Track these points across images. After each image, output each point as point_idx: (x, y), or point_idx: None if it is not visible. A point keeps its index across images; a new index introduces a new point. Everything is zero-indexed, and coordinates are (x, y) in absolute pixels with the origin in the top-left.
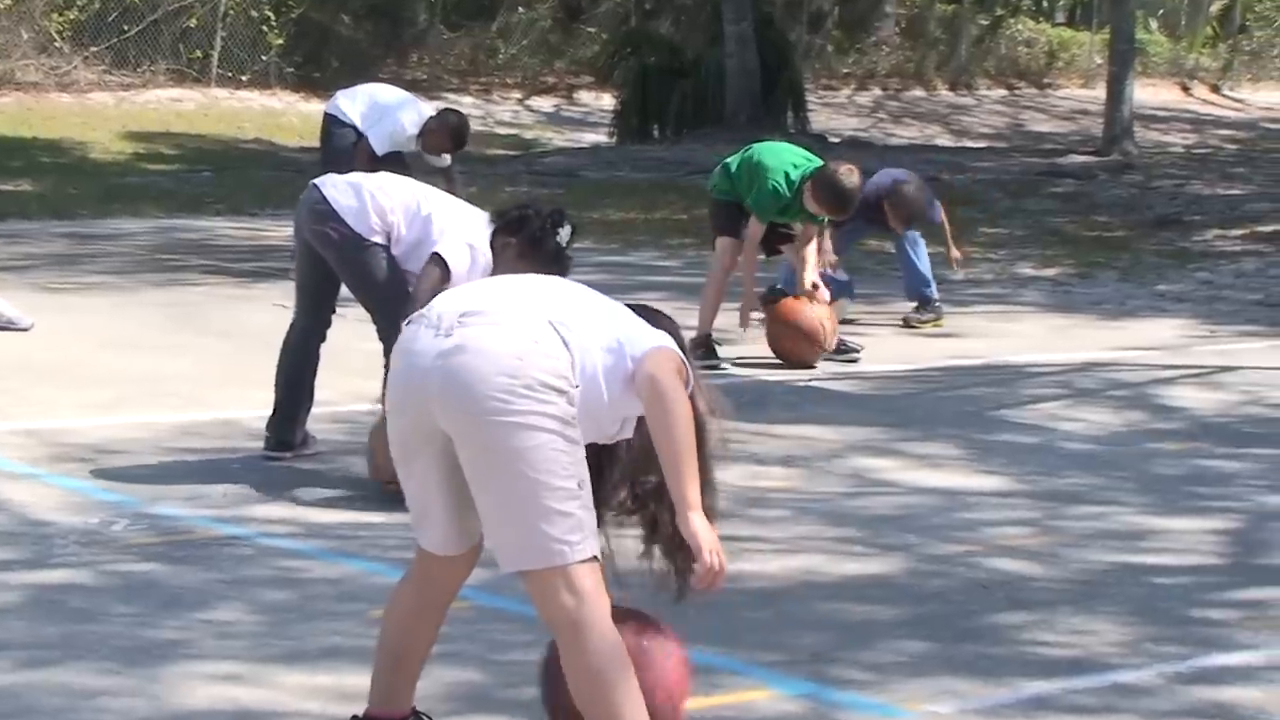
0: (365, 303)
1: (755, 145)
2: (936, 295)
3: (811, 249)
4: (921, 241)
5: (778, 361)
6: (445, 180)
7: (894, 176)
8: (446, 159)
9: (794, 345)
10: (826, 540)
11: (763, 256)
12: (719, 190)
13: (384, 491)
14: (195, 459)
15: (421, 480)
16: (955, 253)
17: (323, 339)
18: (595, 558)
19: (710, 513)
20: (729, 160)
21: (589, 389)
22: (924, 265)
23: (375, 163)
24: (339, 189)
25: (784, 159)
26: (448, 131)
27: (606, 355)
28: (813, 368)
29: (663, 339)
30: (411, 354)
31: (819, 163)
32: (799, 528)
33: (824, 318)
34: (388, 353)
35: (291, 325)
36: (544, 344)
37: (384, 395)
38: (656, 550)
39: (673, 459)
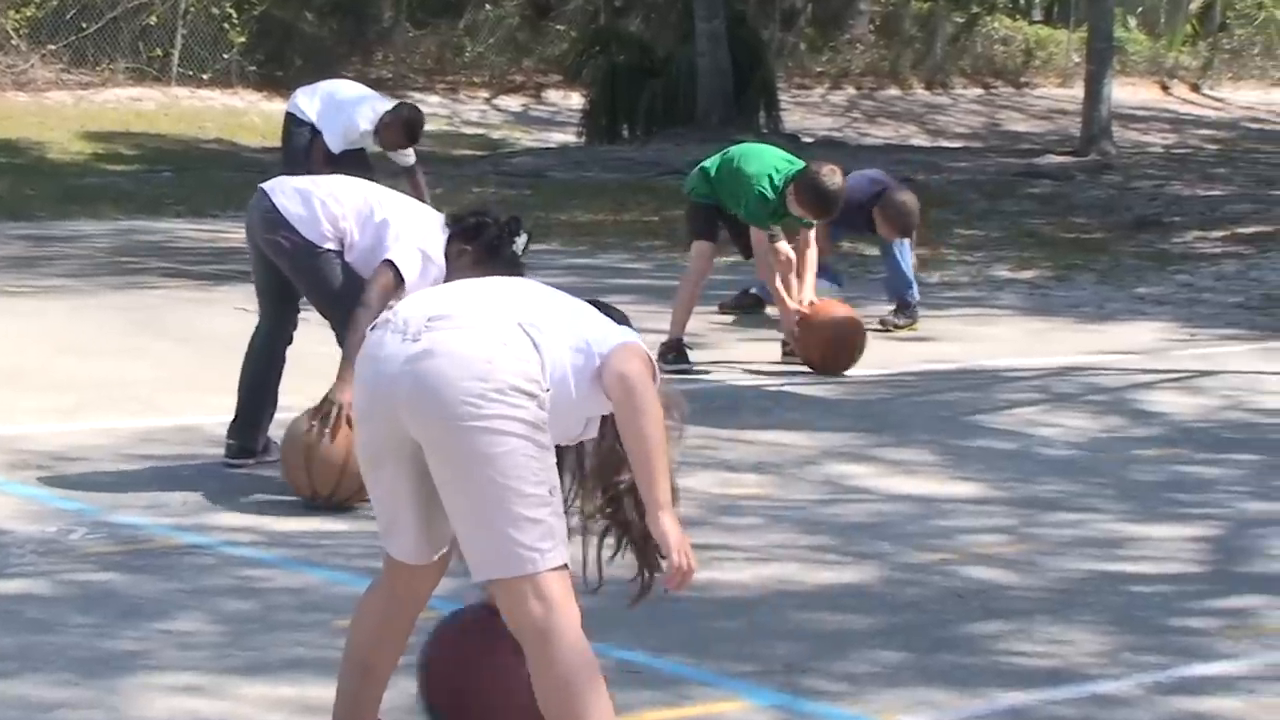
0: (321, 310)
1: (734, 148)
2: (917, 299)
3: (812, 258)
4: (907, 243)
5: (749, 366)
6: (409, 180)
7: (871, 179)
8: (409, 156)
9: (826, 354)
10: (800, 548)
11: (739, 258)
12: (697, 194)
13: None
14: (155, 466)
15: (390, 488)
16: None
17: (288, 342)
18: (565, 565)
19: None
20: (706, 164)
21: (559, 390)
22: (908, 267)
23: (333, 163)
24: (288, 196)
25: (766, 163)
26: (400, 125)
27: (575, 355)
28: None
29: (629, 335)
30: (378, 360)
31: (801, 165)
32: (771, 535)
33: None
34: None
35: (256, 329)
36: (514, 347)
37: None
38: (625, 551)
39: (643, 456)
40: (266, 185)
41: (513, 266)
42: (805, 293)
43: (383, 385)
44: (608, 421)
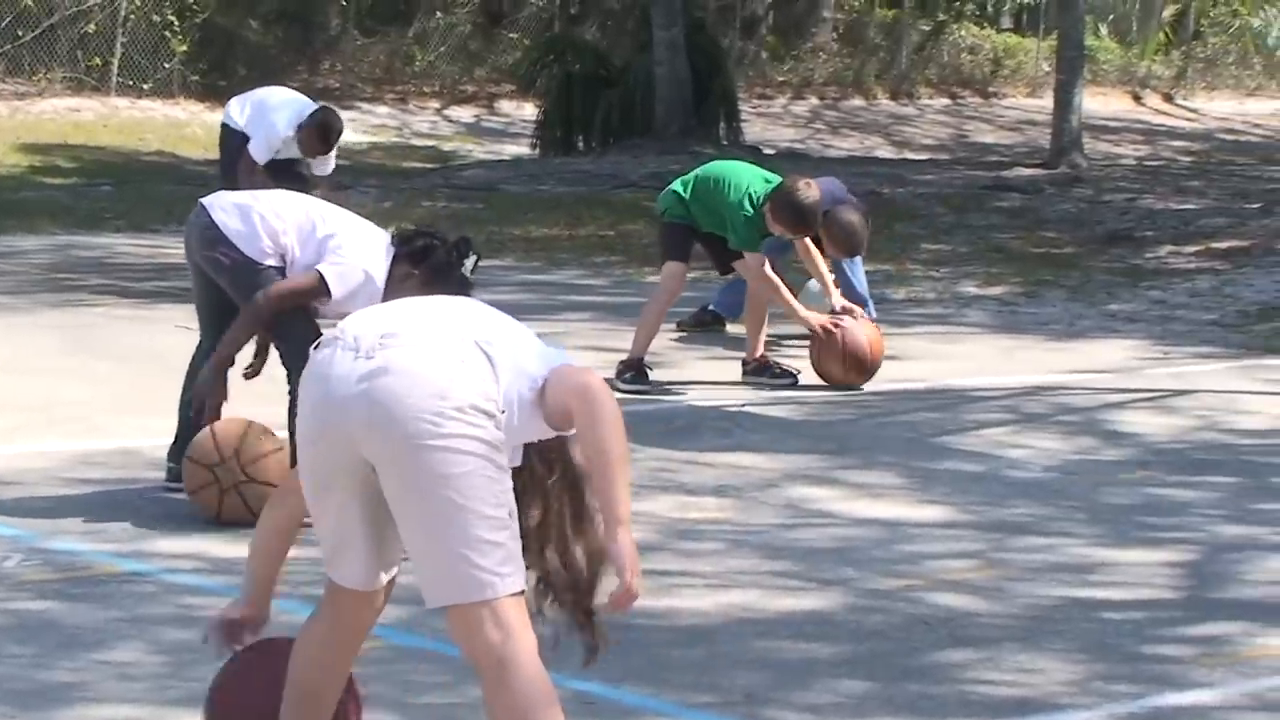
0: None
1: (707, 168)
2: (875, 315)
3: (823, 266)
4: (858, 260)
5: (710, 386)
6: (322, 193)
7: (831, 193)
8: (327, 164)
9: (840, 370)
10: (761, 574)
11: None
12: (671, 214)
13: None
14: (94, 490)
15: (340, 514)
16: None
17: (231, 362)
18: (523, 592)
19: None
20: (677, 185)
21: (507, 414)
22: (861, 284)
23: (261, 173)
24: (227, 211)
25: (743, 184)
26: (315, 129)
27: (519, 378)
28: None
29: (570, 358)
30: (329, 379)
31: (777, 181)
32: (732, 561)
33: (872, 338)
34: (293, 380)
35: (197, 348)
36: (472, 364)
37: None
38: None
39: (603, 468)
40: (205, 200)
41: (462, 288)
42: (834, 297)
43: (335, 405)
44: (553, 462)
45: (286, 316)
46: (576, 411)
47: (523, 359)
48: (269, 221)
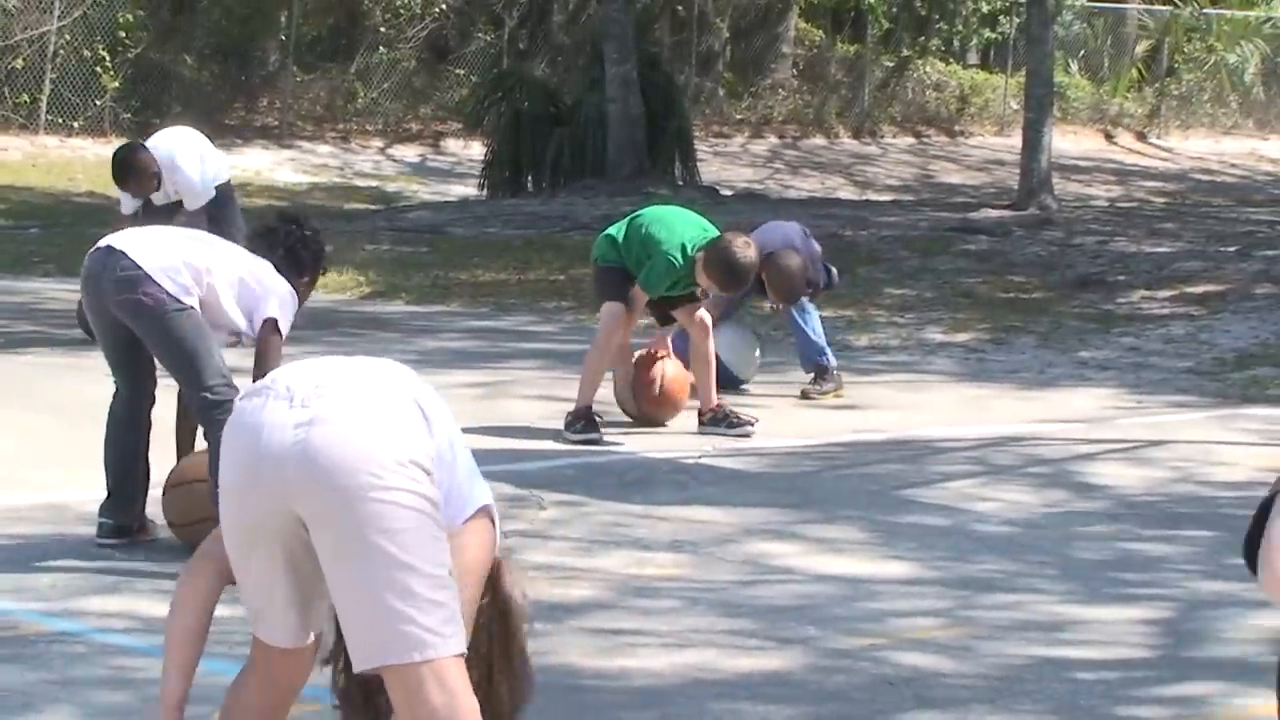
0: (176, 370)
1: (644, 212)
2: (834, 363)
3: (704, 344)
4: (812, 307)
5: (665, 436)
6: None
7: (785, 236)
8: (128, 204)
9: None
10: (719, 633)
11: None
12: (605, 259)
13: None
14: (21, 546)
15: (267, 569)
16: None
17: (152, 403)
18: (464, 655)
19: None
20: (612, 231)
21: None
22: (816, 332)
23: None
24: (144, 249)
25: (677, 231)
26: (114, 164)
27: (456, 472)
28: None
29: (489, 497)
30: (260, 428)
31: (715, 233)
32: (688, 619)
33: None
34: (207, 424)
35: (115, 395)
36: (411, 420)
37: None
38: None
39: None
40: (112, 242)
41: (317, 259)
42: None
43: (268, 456)
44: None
45: (195, 356)
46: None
47: (460, 453)
48: (193, 261)
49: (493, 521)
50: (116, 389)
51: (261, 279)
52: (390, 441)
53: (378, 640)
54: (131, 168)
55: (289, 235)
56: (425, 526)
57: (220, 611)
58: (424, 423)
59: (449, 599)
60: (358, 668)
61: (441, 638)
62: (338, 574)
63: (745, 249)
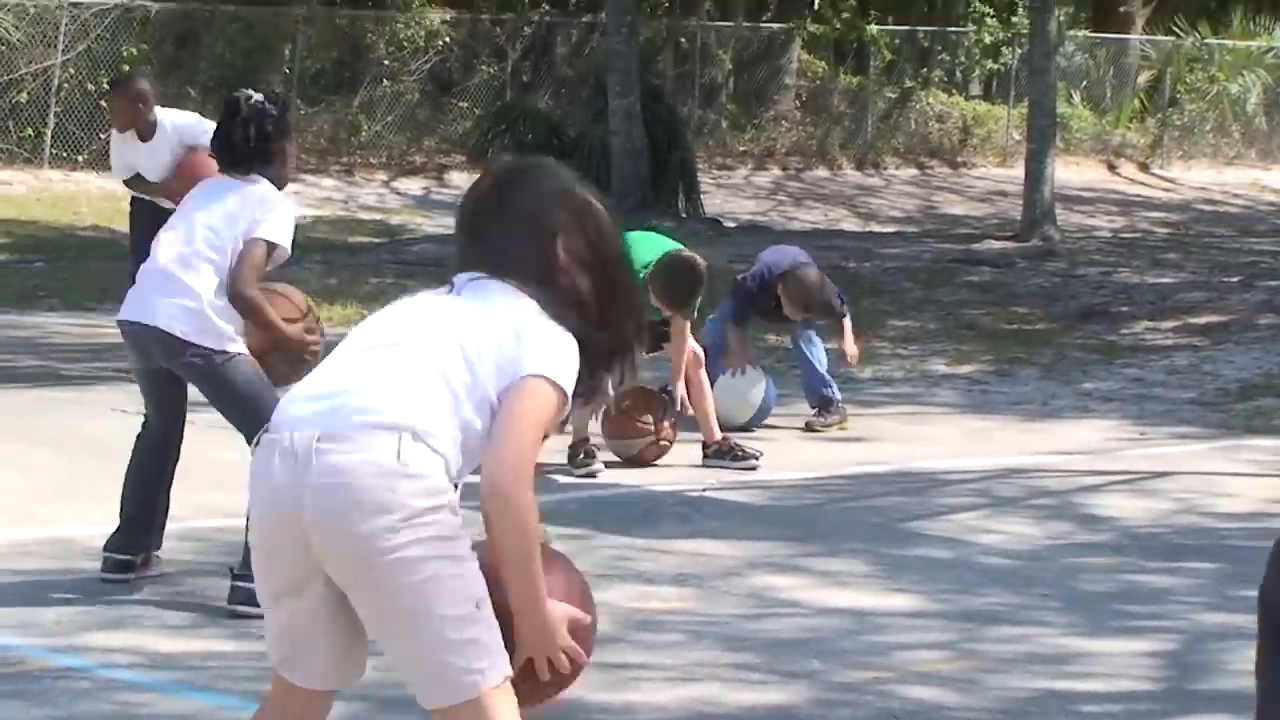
0: (233, 417)
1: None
2: (839, 395)
3: (684, 353)
4: (818, 339)
5: (668, 470)
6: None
7: (793, 256)
8: (125, 150)
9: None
10: (723, 667)
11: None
12: None
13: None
14: (26, 581)
15: (307, 618)
16: (851, 347)
17: (181, 438)
18: (507, 677)
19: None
20: None
21: (468, 439)
22: (822, 364)
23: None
24: (172, 312)
25: (640, 255)
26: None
27: (476, 414)
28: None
29: (543, 365)
30: (273, 490)
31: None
32: (693, 653)
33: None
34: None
35: (145, 424)
36: (414, 464)
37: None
38: None
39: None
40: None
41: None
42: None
43: (284, 519)
44: None
45: (251, 404)
46: (484, 500)
47: (474, 393)
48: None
49: (551, 384)
50: (146, 419)
51: (259, 213)
52: (395, 500)
53: (425, 685)
54: (121, 89)
55: (249, 105)
56: (441, 569)
57: (224, 646)
58: (428, 455)
59: (479, 632)
60: (422, 706)
61: (480, 673)
62: (372, 629)
63: (689, 261)
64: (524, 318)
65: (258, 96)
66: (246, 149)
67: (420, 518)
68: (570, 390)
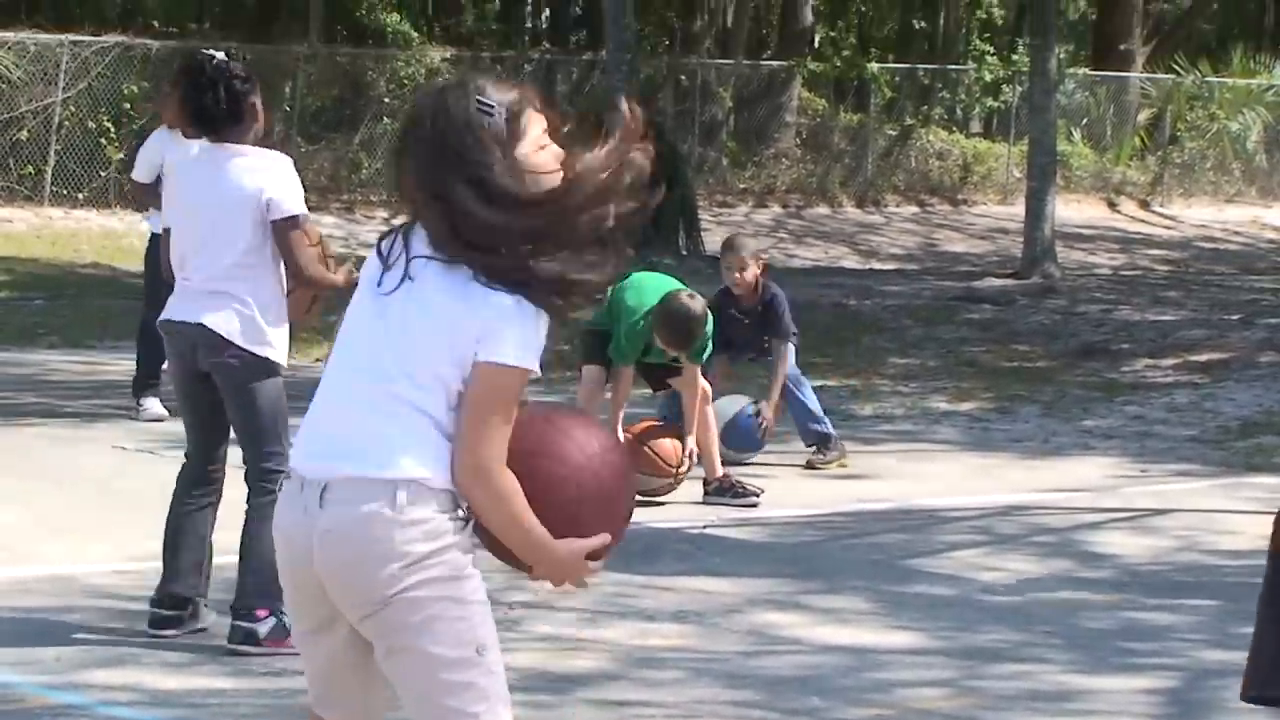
0: (245, 432)
1: (629, 278)
2: (834, 431)
3: (696, 401)
4: (805, 379)
5: (669, 506)
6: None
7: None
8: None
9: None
10: (724, 704)
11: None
12: (589, 322)
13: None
14: (26, 618)
15: (337, 653)
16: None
17: (222, 475)
18: None
19: None
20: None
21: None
22: (811, 399)
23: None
24: (216, 310)
25: (646, 298)
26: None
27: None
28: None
29: (494, 351)
30: (287, 534)
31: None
32: (694, 690)
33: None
34: (265, 494)
35: (185, 462)
36: (412, 510)
37: None
38: None
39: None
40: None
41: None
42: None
43: (299, 564)
44: None
45: (267, 422)
46: (461, 489)
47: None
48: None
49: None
50: (187, 455)
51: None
52: (392, 550)
53: None
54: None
55: (214, 66)
56: (445, 610)
57: (224, 684)
58: (425, 496)
59: (478, 675)
60: None
61: (475, 717)
62: (382, 666)
63: (690, 302)
64: (468, 309)
65: (220, 55)
66: (219, 110)
67: (424, 561)
68: (531, 361)
